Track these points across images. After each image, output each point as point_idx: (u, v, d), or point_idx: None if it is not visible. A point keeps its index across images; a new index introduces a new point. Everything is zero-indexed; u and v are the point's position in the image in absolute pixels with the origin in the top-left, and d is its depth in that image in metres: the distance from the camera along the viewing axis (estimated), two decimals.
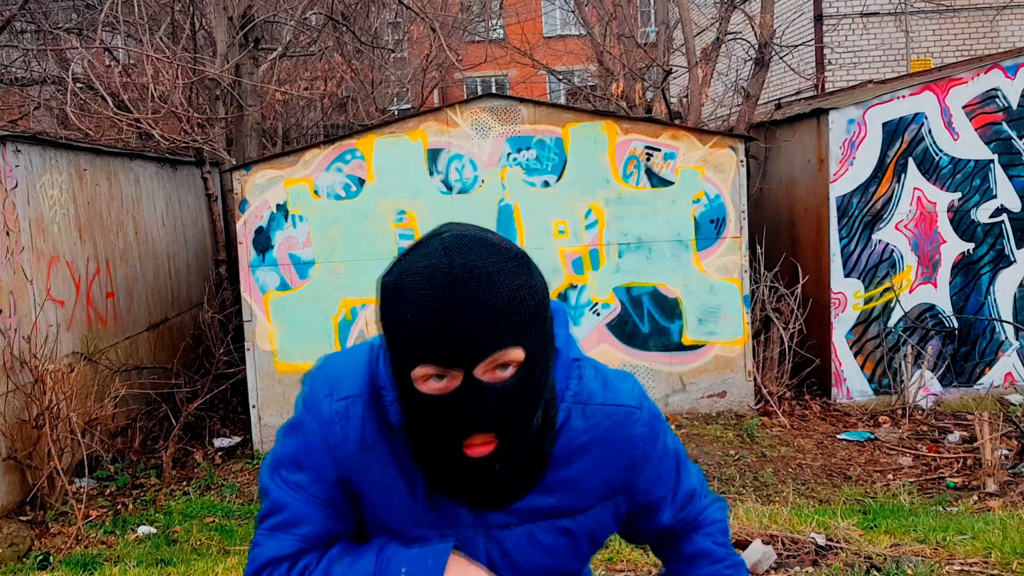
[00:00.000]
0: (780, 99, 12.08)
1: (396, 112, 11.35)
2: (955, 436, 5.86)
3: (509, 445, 1.27)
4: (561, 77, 11.14)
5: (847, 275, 6.63)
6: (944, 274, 6.66)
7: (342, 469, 1.38)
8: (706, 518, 1.64)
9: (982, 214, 6.64)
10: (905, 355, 6.60)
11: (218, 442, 6.16)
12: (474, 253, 1.24)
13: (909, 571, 3.14)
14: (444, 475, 1.32)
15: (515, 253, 1.29)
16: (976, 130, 6.58)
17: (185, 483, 5.46)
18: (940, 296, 6.68)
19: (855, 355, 6.68)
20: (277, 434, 1.47)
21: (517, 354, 1.22)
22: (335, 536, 1.42)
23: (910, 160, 6.57)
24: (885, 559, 3.29)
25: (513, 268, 1.26)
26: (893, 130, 6.55)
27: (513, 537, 1.43)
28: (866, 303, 6.66)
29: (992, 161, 6.60)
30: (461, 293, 1.20)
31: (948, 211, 6.63)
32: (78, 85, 6.59)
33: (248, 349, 6.12)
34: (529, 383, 1.25)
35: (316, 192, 6.26)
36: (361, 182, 6.30)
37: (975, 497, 4.82)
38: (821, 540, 3.49)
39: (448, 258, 1.23)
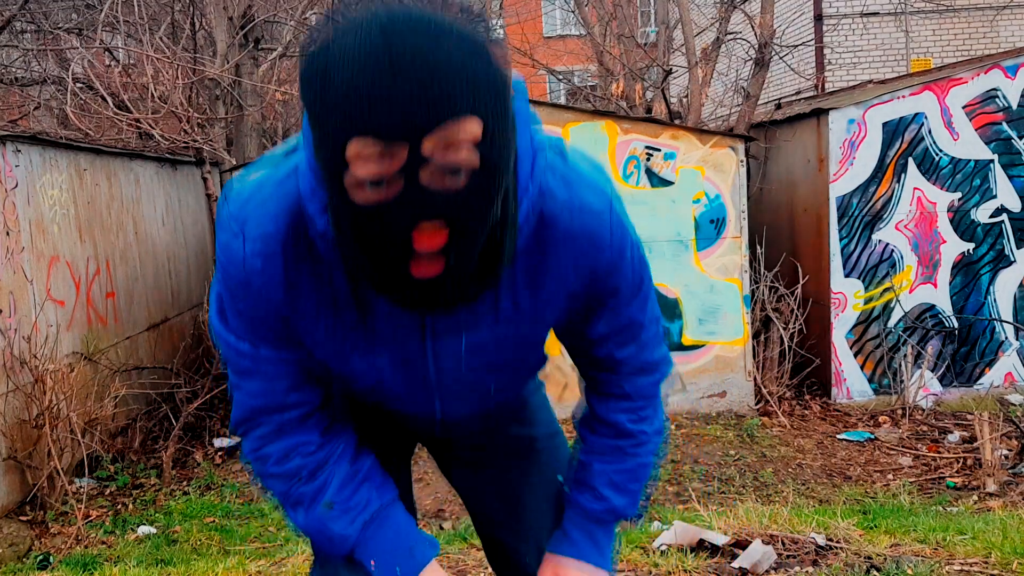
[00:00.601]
0: (780, 99, 12.09)
1: None
2: (955, 436, 5.86)
3: (463, 237, 1.08)
4: (561, 77, 11.15)
5: (847, 275, 6.63)
6: (944, 274, 6.66)
7: (272, 306, 1.27)
8: (640, 371, 1.47)
9: (982, 214, 6.64)
10: (905, 355, 6.60)
11: (218, 442, 6.16)
12: (418, 14, 1.01)
13: (909, 571, 3.14)
14: (390, 290, 1.16)
15: (469, 21, 1.04)
16: (976, 130, 6.58)
17: (185, 483, 5.47)
18: (940, 296, 6.68)
19: (855, 355, 6.68)
20: (213, 281, 1.37)
21: (473, 128, 1.01)
22: (300, 366, 1.34)
23: (910, 160, 6.58)
24: (885, 559, 3.29)
25: (467, 29, 1.02)
26: (893, 130, 6.55)
27: (463, 346, 1.32)
28: (866, 303, 6.66)
29: (992, 161, 6.60)
30: (405, 51, 0.97)
31: (948, 211, 6.63)
32: (78, 85, 6.60)
33: None
34: (487, 167, 1.05)
35: None
36: None
37: (975, 497, 4.83)
38: (821, 540, 3.49)
39: (389, 18, 1.00)
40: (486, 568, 3.52)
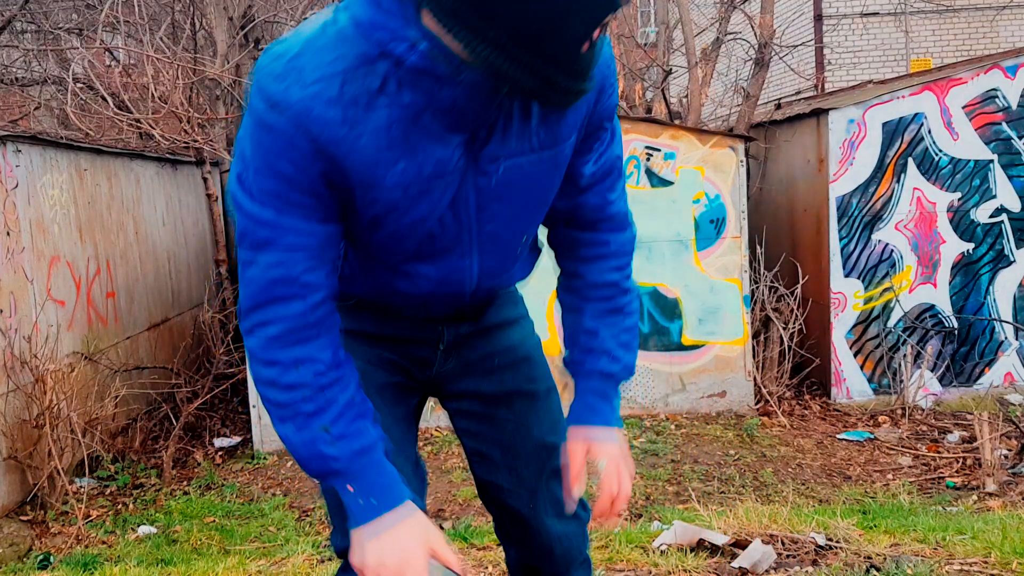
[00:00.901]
0: (780, 99, 12.09)
1: None
2: (955, 436, 5.87)
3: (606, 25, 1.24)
4: None
5: (847, 275, 6.64)
6: (944, 274, 6.66)
7: (327, 158, 1.26)
8: (623, 225, 1.66)
9: (982, 214, 6.64)
10: (905, 355, 6.61)
11: (218, 442, 6.16)
12: None
13: (909, 571, 3.14)
14: (569, 74, 1.21)
15: None
16: (976, 130, 6.59)
17: (185, 483, 5.47)
18: (940, 296, 6.68)
19: (855, 355, 6.69)
20: (236, 150, 1.33)
21: None
22: (320, 242, 1.33)
23: (910, 160, 6.58)
24: (885, 559, 3.29)
25: None
26: (893, 130, 6.55)
27: (499, 173, 1.37)
28: (866, 303, 6.66)
29: (992, 161, 6.61)
30: None
31: (948, 211, 6.63)
32: (78, 85, 6.60)
33: None
34: None
35: None
36: None
37: (975, 497, 4.83)
38: (821, 540, 3.50)
39: None
40: (486, 568, 3.53)
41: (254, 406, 6.18)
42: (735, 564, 3.27)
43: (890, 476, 5.32)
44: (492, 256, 1.50)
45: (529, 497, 1.70)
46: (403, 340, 1.62)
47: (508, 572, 1.87)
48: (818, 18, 13.87)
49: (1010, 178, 6.63)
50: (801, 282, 6.70)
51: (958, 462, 5.42)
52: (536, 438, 1.74)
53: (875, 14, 13.73)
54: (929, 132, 6.56)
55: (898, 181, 6.59)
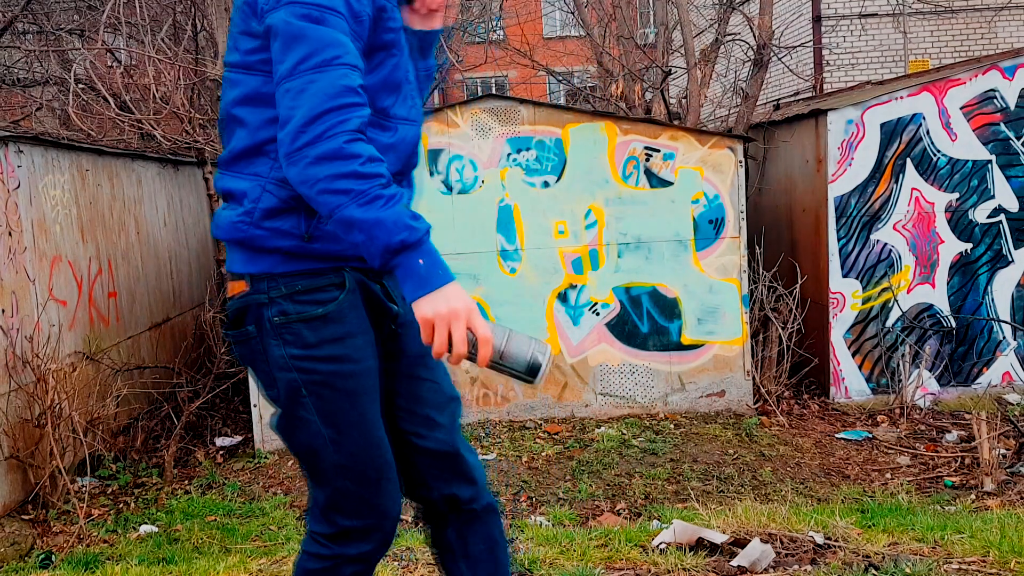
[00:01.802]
0: (779, 100, 12.11)
1: None
2: (953, 435, 5.89)
3: None
4: (561, 78, 11.16)
5: (845, 275, 6.66)
6: (942, 274, 6.68)
7: (378, 5, 1.72)
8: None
9: (980, 214, 6.67)
10: (903, 355, 6.63)
11: (220, 441, 6.18)
12: None
13: (907, 570, 3.16)
14: None
15: None
16: (974, 131, 6.61)
17: (187, 482, 5.49)
18: (938, 296, 6.70)
19: (853, 355, 6.71)
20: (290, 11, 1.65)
21: None
22: (361, 70, 1.68)
23: (908, 161, 6.60)
24: (883, 558, 3.31)
25: None
26: (891, 131, 6.57)
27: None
28: (864, 303, 6.68)
29: (990, 162, 6.63)
30: None
31: (946, 211, 6.66)
32: (80, 86, 6.62)
33: None
34: None
35: None
36: None
37: (973, 496, 4.85)
38: (819, 539, 3.51)
39: None
40: None
41: (255, 405, 6.20)
42: (734, 563, 3.28)
43: (888, 475, 5.34)
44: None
45: (448, 436, 1.94)
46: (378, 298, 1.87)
47: (423, 523, 2.01)
48: (816, 19, 13.89)
49: (1008, 178, 6.65)
50: (800, 282, 6.72)
51: (956, 461, 5.44)
52: (447, 393, 1.99)
53: (873, 15, 13.75)
54: (927, 133, 6.58)
55: (896, 181, 6.61)
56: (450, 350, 1.65)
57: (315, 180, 1.57)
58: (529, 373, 1.72)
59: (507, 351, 1.69)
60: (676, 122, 8.21)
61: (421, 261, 1.60)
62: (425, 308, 1.61)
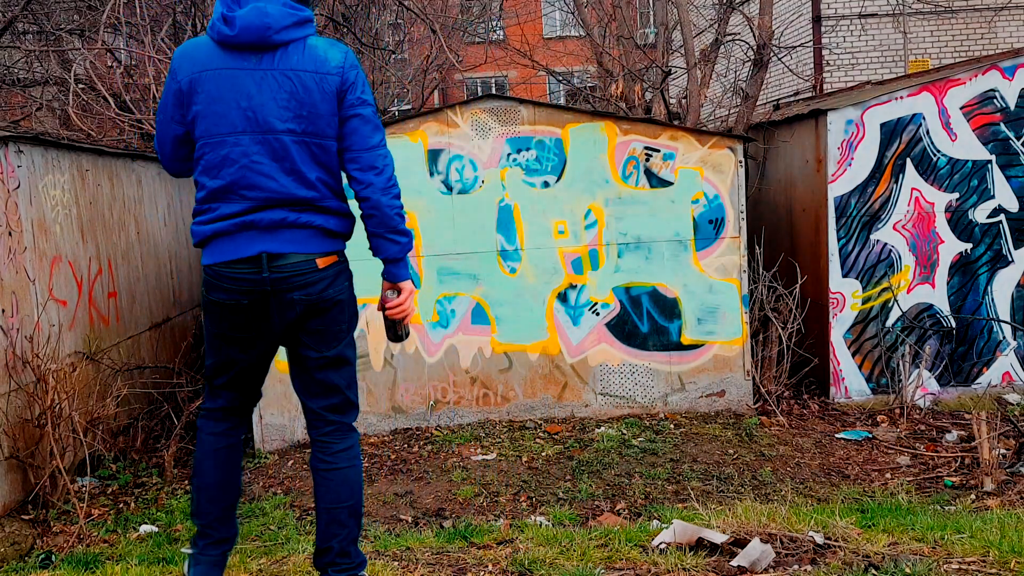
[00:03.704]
0: (779, 100, 12.12)
1: (397, 113, 11.38)
2: (953, 435, 5.89)
3: None
4: (561, 78, 11.17)
5: (845, 275, 6.66)
6: (942, 274, 6.69)
7: None
8: None
9: (980, 214, 6.67)
10: (903, 355, 6.63)
11: None
12: None
13: (907, 570, 3.16)
14: None
15: None
16: (974, 131, 6.61)
17: (187, 482, 5.48)
18: (938, 296, 6.71)
19: (853, 355, 6.71)
20: (364, 82, 2.93)
21: None
22: None
23: (908, 161, 6.61)
24: (883, 558, 3.31)
25: None
26: (891, 131, 6.58)
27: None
28: (864, 303, 6.69)
29: (990, 162, 6.63)
30: None
31: (946, 211, 6.66)
32: (80, 86, 6.61)
33: None
34: None
35: None
36: None
37: (973, 496, 4.85)
38: (819, 539, 3.51)
39: None
40: (486, 567, 3.55)
41: (256, 405, 6.19)
42: (734, 563, 3.29)
43: (888, 475, 5.34)
44: None
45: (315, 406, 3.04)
46: None
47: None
48: (816, 19, 13.89)
49: (1008, 178, 6.65)
50: (800, 282, 6.73)
51: (956, 461, 5.44)
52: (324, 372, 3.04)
53: (873, 15, 13.76)
54: (927, 133, 6.59)
55: (896, 181, 6.62)
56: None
57: None
58: (406, 335, 3.03)
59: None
60: (676, 122, 8.21)
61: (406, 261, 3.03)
62: (409, 285, 2.98)
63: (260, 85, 2.67)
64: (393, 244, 2.83)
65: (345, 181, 2.90)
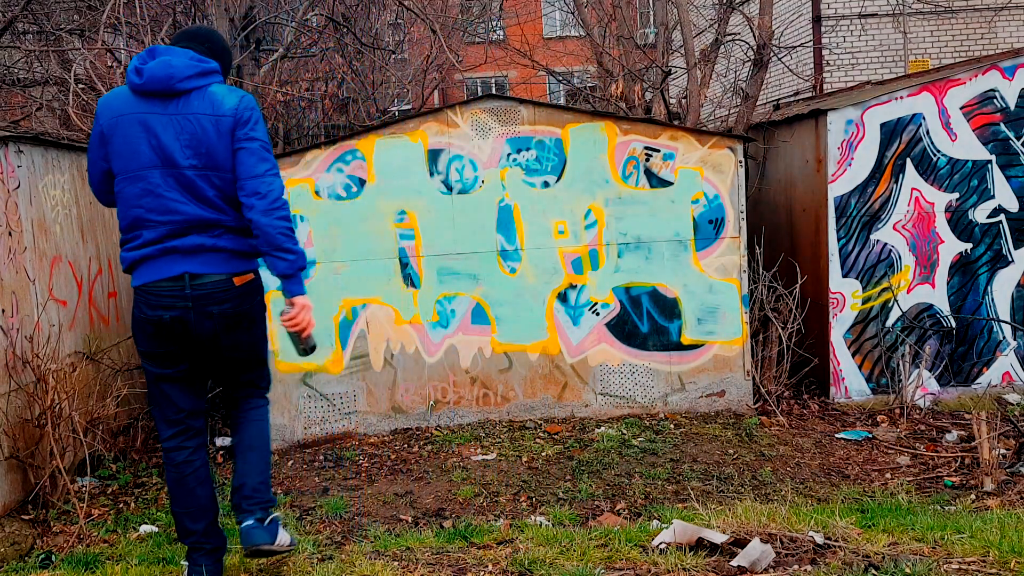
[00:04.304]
0: (779, 100, 12.11)
1: (397, 113, 11.38)
2: (953, 435, 5.89)
3: None
4: (561, 78, 11.16)
5: (845, 275, 6.66)
6: (942, 274, 6.69)
7: None
8: None
9: (980, 214, 6.67)
10: (903, 355, 6.63)
11: (219, 441, 6.18)
12: None
13: (907, 570, 3.16)
14: None
15: None
16: (974, 131, 6.61)
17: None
18: (938, 296, 6.71)
19: (853, 355, 6.71)
20: (258, 121, 3.30)
21: None
22: None
23: (908, 161, 6.61)
24: (883, 558, 3.31)
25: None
26: (891, 131, 6.58)
27: None
28: (864, 303, 6.69)
29: (990, 162, 6.63)
30: None
31: (946, 211, 6.66)
32: (80, 86, 6.61)
33: None
34: None
35: (317, 192, 6.29)
36: (362, 182, 6.33)
37: (973, 496, 4.85)
38: (819, 539, 3.52)
39: None
40: (486, 567, 3.54)
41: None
42: (734, 563, 3.29)
43: (888, 475, 5.34)
44: None
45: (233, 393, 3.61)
46: None
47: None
48: (816, 19, 13.89)
49: (1008, 178, 6.65)
50: (800, 282, 6.73)
51: (956, 461, 5.44)
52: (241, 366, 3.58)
53: (873, 15, 13.76)
54: (927, 133, 6.59)
55: (896, 181, 6.62)
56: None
57: None
58: (311, 349, 3.34)
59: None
60: (676, 122, 8.21)
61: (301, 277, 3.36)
62: (304, 299, 3.32)
63: (166, 127, 3.13)
64: (281, 261, 3.17)
65: None
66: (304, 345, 3.29)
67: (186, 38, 3.33)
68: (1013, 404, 6.37)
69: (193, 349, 3.27)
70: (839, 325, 6.68)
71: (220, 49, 3.39)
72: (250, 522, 3.30)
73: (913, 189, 6.62)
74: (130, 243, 3.24)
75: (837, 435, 6.07)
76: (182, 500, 3.34)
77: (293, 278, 3.22)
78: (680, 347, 6.52)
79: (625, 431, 6.16)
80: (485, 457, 5.79)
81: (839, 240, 6.62)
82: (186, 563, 3.40)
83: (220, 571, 3.38)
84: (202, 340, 3.23)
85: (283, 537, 3.42)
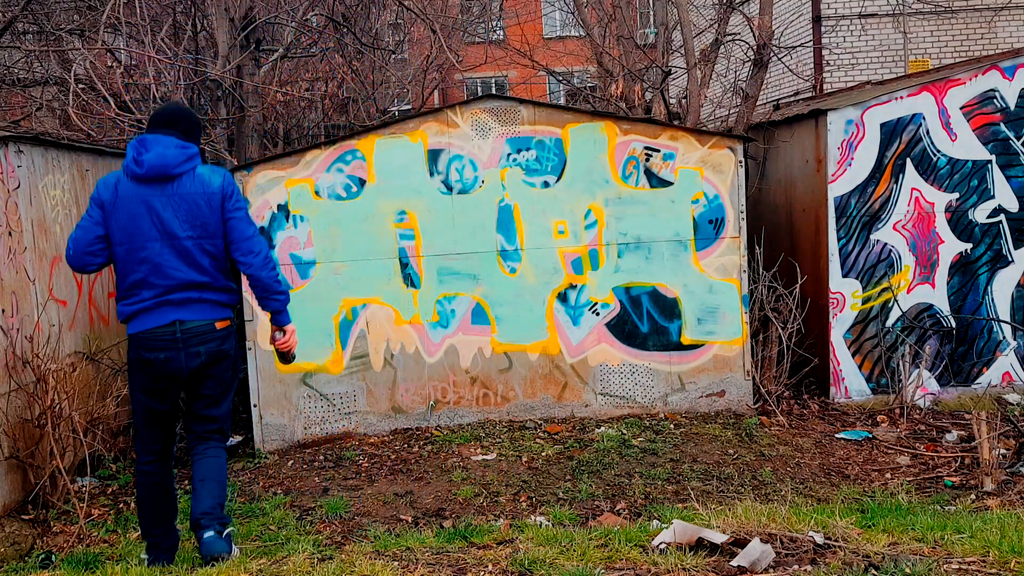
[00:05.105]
0: (779, 100, 12.12)
1: (397, 113, 11.38)
2: (953, 435, 5.89)
3: None
4: (561, 78, 11.16)
5: (845, 275, 6.66)
6: (942, 274, 6.69)
7: None
8: None
9: (980, 214, 6.67)
10: (903, 355, 6.63)
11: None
12: None
13: (907, 570, 3.16)
14: None
15: None
16: (974, 131, 6.62)
17: (187, 482, 5.48)
18: (938, 296, 6.71)
19: (853, 355, 6.71)
20: (236, 190, 3.96)
21: None
22: None
23: (908, 161, 6.61)
24: (883, 558, 3.31)
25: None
26: (891, 131, 6.58)
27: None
28: (864, 303, 6.69)
29: (990, 162, 6.64)
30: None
31: (946, 211, 6.66)
32: (80, 86, 6.61)
33: (249, 348, 6.16)
34: None
35: (317, 192, 6.29)
36: (362, 182, 6.33)
37: (973, 496, 4.85)
38: (819, 539, 3.51)
39: None
40: (486, 567, 3.54)
41: (255, 405, 6.20)
42: (734, 563, 3.28)
43: (888, 475, 5.34)
44: None
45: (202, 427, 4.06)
46: None
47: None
48: (816, 19, 13.89)
49: (1008, 178, 6.65)
50: (800, 282, 6.73)
51: (956, 461, 5.44)
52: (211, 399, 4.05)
53: (873, 15, 13.76)
54: (927, 133, 6.59)
55: (896, 181, 6.62)
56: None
57: None
58: (293, 359, 4.18)
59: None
60: (676, 122, 8.21)
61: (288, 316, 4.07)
62: (292, 327, 4.10)
63: (166, 206, 3.77)
64: (275, 302, 3.96)
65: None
66: (290, 357, 4.14)
67: (164, 123, 3.89)
68: (1013, 404, 6.37)
69: (181, 384, 3.89)
70: (839, 325, 6.68)
71: (194, 126, 4.00)
72: (210, 534, 3.74)
73: (913, 189, 6.62)
74: (129, 299, 3.81)
75: (837, 435, 6.07)
76: (149, 508, 3.93)
77: (283, 312, 4.01)
78: (680, 347, 6.53)
79: (625, 431, 6.16)
80: (485, 457, 5.79)
81: (839, 240, 6.62)
82: (146, 556, 3.95)
83: (172, 561, 3.92)
84: (190, 374, 3.85)
85: (235, 551, 3.95)
